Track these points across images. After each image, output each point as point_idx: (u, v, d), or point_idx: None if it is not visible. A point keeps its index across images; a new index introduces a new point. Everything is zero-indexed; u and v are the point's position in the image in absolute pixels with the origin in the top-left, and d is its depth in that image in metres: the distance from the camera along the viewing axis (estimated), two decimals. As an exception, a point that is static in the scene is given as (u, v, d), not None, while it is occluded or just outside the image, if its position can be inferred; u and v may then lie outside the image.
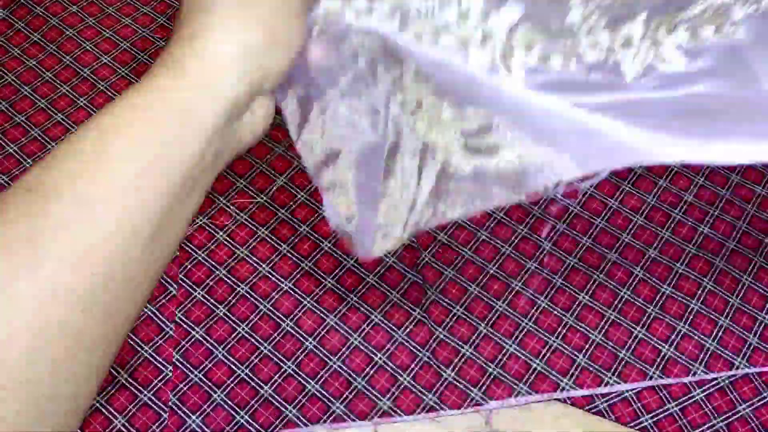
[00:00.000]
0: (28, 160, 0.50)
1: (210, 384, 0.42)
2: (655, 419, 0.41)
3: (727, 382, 0.42)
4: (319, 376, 0.42)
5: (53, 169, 0.25)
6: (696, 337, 0.43)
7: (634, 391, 0.42)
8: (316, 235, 0.47)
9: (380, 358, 0.43)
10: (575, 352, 0.43)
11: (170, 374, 0.42)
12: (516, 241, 0.47)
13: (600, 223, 0.47)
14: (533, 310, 0.44)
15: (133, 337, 0.43)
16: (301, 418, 0.41)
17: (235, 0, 0.29)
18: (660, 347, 0.43)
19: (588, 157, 0.32)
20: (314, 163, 0.34)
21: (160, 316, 0.44)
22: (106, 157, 0.25)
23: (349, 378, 0.42)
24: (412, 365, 0.42)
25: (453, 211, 0.33)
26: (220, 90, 0.28)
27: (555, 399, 0.42)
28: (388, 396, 0.42)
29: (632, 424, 0.41)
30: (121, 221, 0.25)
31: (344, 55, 0.35)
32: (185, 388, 0.42)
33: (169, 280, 0.45)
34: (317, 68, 0.35)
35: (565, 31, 0.36)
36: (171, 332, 0.43)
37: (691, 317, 0.44)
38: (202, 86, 0.28)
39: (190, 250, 0.46)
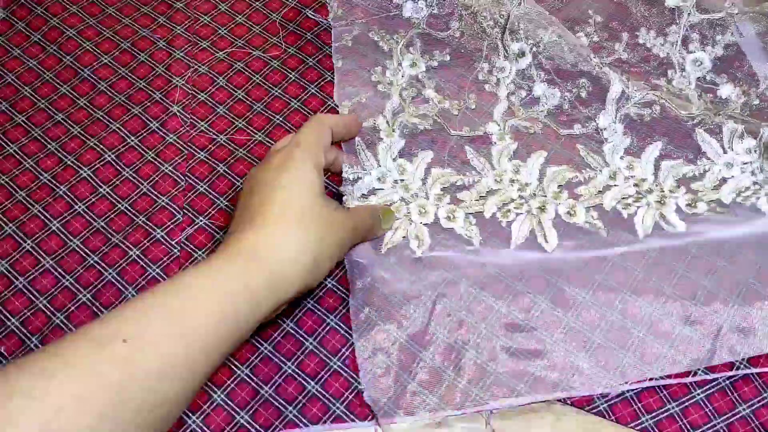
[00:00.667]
0: (29, 160, 0.50)
1: (210, 384, 0.42)
2: (655, 419, 0.41)
3: (727, 382, 0.42)
4: (319, 377, 0.42)
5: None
6: (696, 337, 0.43)
7: (634, 391, 0.42)
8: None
9: (383, 347, 0.43)
10: (575, 353, 0.43)
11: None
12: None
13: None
14: (534, 311, 0.44)
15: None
16: (301, 418, 0.41)
17: (294, 221, 0.38)
18: (660, 347, 0.43)
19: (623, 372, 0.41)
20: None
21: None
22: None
23: (350, 378, 0.42)
24: (413, 366, 0.42)
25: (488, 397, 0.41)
26: (277, 295, 0.37)
27: (555, 399, 0.42)
28: (389, 396, 0.42)
29: (632, 425, 0.41)
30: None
31: None
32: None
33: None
34: None
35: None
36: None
37: (692, 317, 0.44)
38: (268, 287, 0.36)
39: (190, 251, 0.46)
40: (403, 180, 0.48)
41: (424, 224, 0.46)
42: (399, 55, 0.53)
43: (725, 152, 0.49)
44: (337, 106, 0.52)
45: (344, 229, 0.41)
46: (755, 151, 0.49)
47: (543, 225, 0.46)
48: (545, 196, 0.47)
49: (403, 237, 0.46)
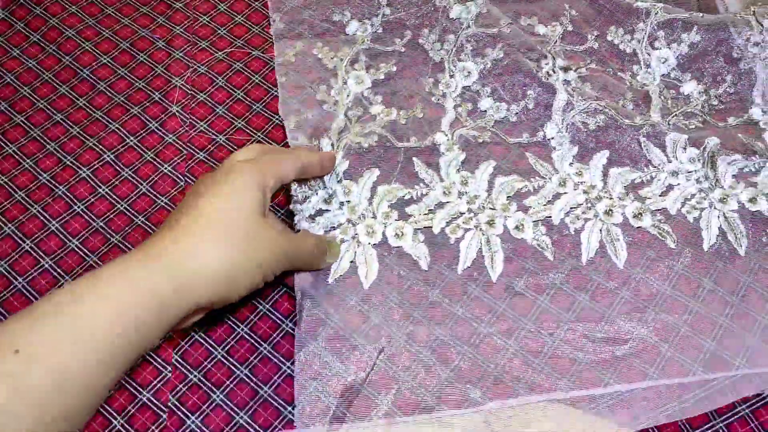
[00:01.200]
0: (28, 160, 0.50)
1: (209, 384, 0.42)
2: (655, 419, 0.41)
3: (726, 382, 0.42)
4: (319, 377, 0.42)
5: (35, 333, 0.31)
6: (696, 337, 0.43)
7: (634, 391, 0.42)
8: (316, 236, 0.47)
9: (380, 359, 0.43)
10: (575, 352, 0.43)
11: (169, 375, 0.42)
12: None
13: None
14: (534, 310, 0.44)
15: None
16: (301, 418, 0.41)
17: (214, 232, 0.36)
18: (660, 347, 0.43)
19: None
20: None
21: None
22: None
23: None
24: (413, 366, 0.42)
25: None
26: (185, 304, 0.35)
27: (555, 399, 0.42)
28: (389, 396, 0.42)
29: (632, 424, 0.41)
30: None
31: None
32: (184, 389, 0.42)
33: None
34: None
35: None
36: (169, 333, 0.43)
37: (692, 317, 0.44)
38: (175, 290, 0.34)
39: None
40: (349, 202, 0.47)
41: (373, 245, 0.46)
42: (344, 74, 0.53)
43: (670, 161, 0.50)
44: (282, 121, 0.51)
45: (278, 251, 0.39)
46: (699, 160, 0.49)
47: (491, 244, 0.46)
48: (494, 209, 0.47)
49: (351, 262, 0.45)
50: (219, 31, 0.56)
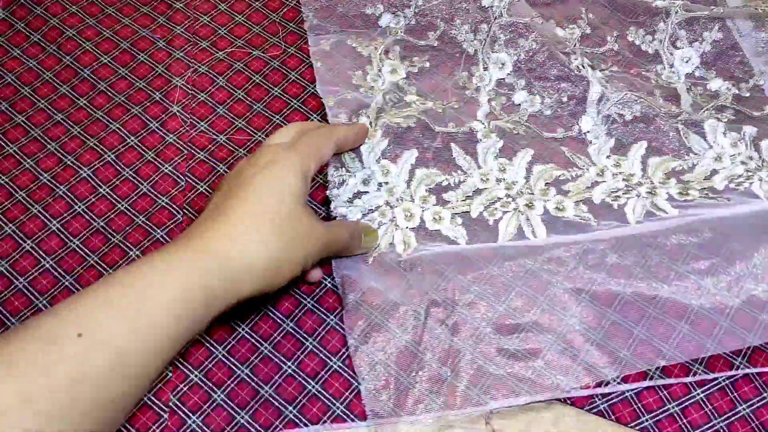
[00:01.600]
0: (28, 160, 0.50)
1: (210, 384, 0.42)
2: (655, 419, 0.41)
3: (727, 382, 0.42)
4: (319, 376, 0.42)
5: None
6: (696, 338, 0.43)
7: (634, 391, 0.42)
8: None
9: (381, 359, 0.43)
10: (575, 352, 0.43)
11: (170, 375, 0.42)
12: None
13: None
14: (534, 310, 0.44)
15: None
16: (301, 418, 0.41)
17: (261, 223, 0.36)
18: (660, 347, 0.43)
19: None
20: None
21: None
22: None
23: (350, 378, 0.42)
24: (412, 370, 0.42)
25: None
26: (232, 295, 0.36)
27: (555, 399, 0.42)
28: (391, 401, 0.42)
29: (632, 424, 0.41)
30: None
31: None
32: (185, 389, 0.42)
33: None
34: None
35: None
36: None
37: (691, 317, 0.44)
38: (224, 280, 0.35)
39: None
40: (387, 183, 0.47)
41: (410, 228, 0.46)
42: (378, 62, 0.53)
43: (711, 147, 0.49)
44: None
45: (316, 241, 0.39)
46: (741, 142, 0.49)
47: (531, 221, 0.46)
48: (532, 194, 0.47)
49: (390, 244, 0.46)
50: (219, 31, 0.56)
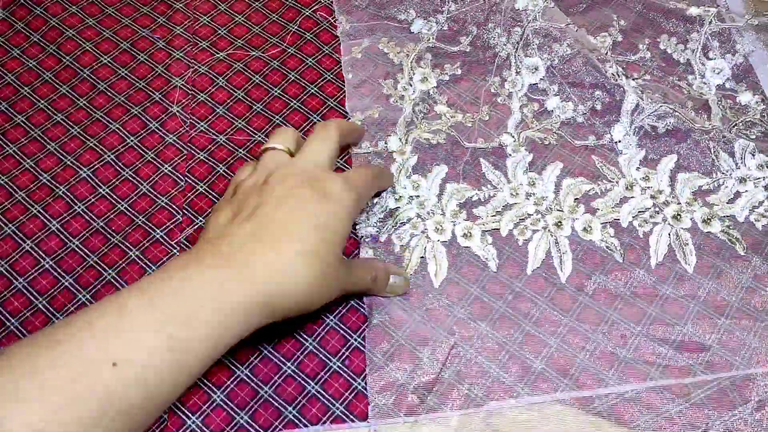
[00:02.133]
0: (28, 161, 0.50)
1: (210, 384, 0.42)
2: (655, 419, 0.41)
3: (727, 382, 0.42)
4: (318, 377, 0.42)
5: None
6: (696, 338, 0.43)
7: (634, 391, 0.42)
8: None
9: (380, 360, 0.43)
10: (575, 353, 0.43)
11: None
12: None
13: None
14: (534, 311, 0.44)
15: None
16: (301, 418, 0.41)
17: (302, 247, 0.36)
18: (660, 348, 0.43)
19: None
20: None
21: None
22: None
23: (349, 379, 0.42)
24: (413, 365, 0.42)
25: None
26: (261, 321, 0.35)
27: (555, 399, 0.42)
28: (389, 397, 0.42)
29: (632, 425, 0.41)
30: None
31: None
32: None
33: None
34: None
35: None
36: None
37: (691, 318, 0.44)
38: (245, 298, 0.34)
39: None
40: (418, 197, 0.48)
41: (442, 242, 0.46)
42: (410, 70, 0.53)
43: (738, 167, 0.49)
44: (347, 115, 0.52)
45: (338, 284, 0.39)
46: (767, 167, 0.49)
47: (559, 245, 0.46)
48: (561, 211, 0.47)
49: (421, 257, 0.45)
50: (219, 31, 0.57)
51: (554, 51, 0.53)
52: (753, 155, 0.50)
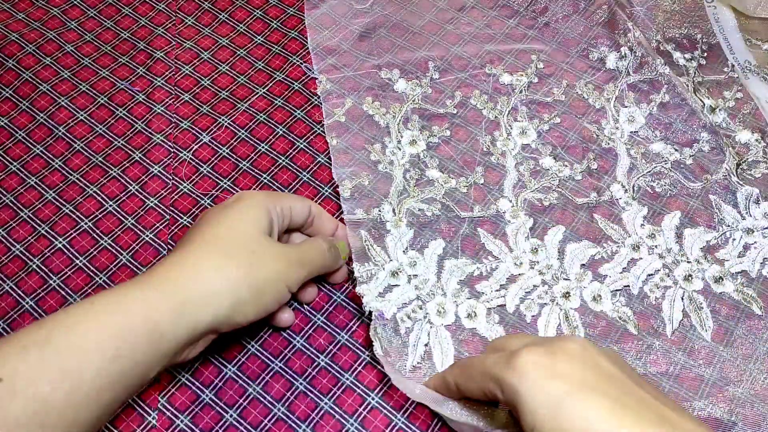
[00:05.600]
0: (14, 163, 0.50)
1: (198, 383, 0.42)
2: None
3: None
4: (306, 373, 0.42)
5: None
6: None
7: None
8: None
9: (368, 355, 0.43)
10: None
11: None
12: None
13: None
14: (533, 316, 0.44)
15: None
16: (290, 415, 0.41)
17: (218, 252, 0.36)
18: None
19: None
20: None
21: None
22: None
23: (337, 374, 0.42)
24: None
25: None
26: (186, 328, 0.34)
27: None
28: (376, 391, 0.41)
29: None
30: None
31: None
32: (173, 389, 0.42)
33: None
34: None
35: None
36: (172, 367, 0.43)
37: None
38: (179, 314, 0.34)
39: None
40: (416, 276, 0.45)
41: (446, 326, 0.43)
42: (398, 132, 0.51)
43: (743, 218, 0.47)
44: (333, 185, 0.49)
45: (289, 263, 0.38)
46: None
47: (570, 320, 0.44)
48: (568, 279, 0.45)
49: (425, 345, 0.42)
50: (203, 31, 0.57)
51: (543, 119, 0.51)
52: (757, 203, 0.48)
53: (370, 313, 0.42)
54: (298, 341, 0.43)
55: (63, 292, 0.45)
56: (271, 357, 0.43)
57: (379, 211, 0.47)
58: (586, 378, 0.30)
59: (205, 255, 0.36)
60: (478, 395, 0.34)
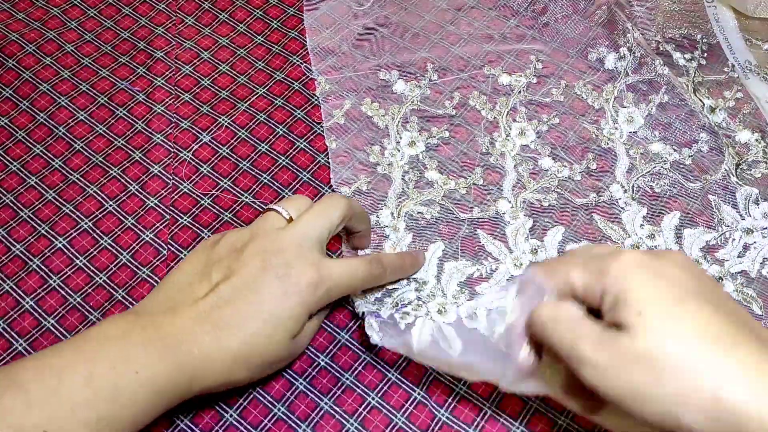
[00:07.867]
0: (14, 163, 0.50)
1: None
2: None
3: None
4: (306, 373, 0.42)
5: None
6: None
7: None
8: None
9: (368, 355, 0.43)
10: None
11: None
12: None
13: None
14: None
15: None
16: (290, 415, 0.41)
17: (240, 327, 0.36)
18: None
19: None
20: None
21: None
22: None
23: (337, 375, 0.42)
24: (400, 361, 0.42)
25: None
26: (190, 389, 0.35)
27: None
28: (376, 391, 0.41)
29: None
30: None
31: None
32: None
33: (159, 281, 0.45)
34: None
35: None
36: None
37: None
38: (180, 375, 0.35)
39: (175, 252, 0.46)
40: (416, 278, 0.45)
41: (448, 324, 0.42)
42: (396, 134, 0.51)
43: (743, 218, 0.47)
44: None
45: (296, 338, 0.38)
46: None
47: None
48: None
49: (431, 335, 0.41)
50: (204, 31, 0.57)
51: (542, 120, 0.51)
52: (757, 203, 0.48)
53: (363, 314, 0.42)
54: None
55: (63, 292, 0.45)
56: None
57: (377, 217, 0.47)
58: (692, 285, 0.30)
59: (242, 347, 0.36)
60: (559, 288, 0.33)
